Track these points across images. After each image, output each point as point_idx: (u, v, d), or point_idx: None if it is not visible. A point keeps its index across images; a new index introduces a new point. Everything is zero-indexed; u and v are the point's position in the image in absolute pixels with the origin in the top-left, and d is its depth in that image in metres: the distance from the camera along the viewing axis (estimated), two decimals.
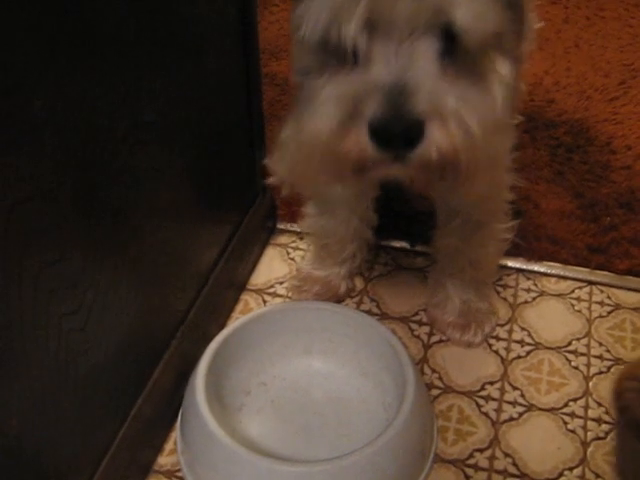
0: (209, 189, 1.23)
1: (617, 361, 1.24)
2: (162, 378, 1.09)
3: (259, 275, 1.42)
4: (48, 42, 0.74)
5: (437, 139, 0.76)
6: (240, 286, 1.38)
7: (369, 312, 1.33)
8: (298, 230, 1.49)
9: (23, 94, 0.72)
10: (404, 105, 0.74)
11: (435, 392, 1.20)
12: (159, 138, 1.01)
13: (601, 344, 1.27)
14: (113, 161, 0.90)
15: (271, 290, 1.39)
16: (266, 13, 1.50)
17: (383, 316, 1.33)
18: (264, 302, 1.36)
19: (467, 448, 1.12)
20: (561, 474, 1.08)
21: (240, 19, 1.20)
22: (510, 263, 1.42)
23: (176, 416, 1.13)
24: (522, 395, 1.19)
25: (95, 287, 0.89)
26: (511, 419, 1.16)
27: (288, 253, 1.47)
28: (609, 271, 1.41)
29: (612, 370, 1.22)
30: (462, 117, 0.76)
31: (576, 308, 1.34)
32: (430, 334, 1.30)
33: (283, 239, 1.50)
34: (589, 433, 1.13)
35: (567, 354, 1.26)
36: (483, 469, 1.10)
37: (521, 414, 1.17)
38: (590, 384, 1.21)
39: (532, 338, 1.29)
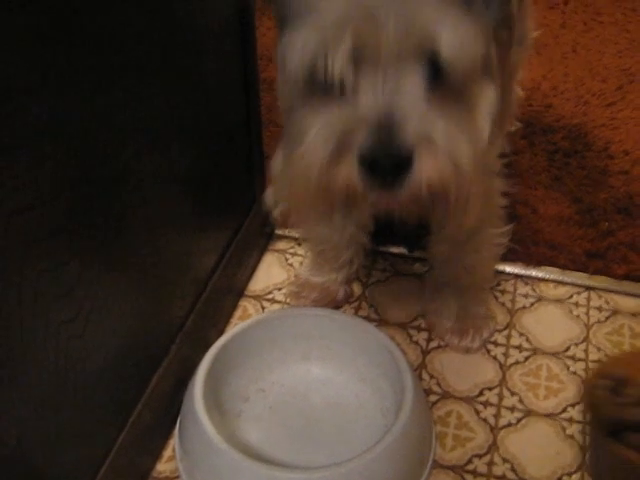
0: (207, 195, 1.23)
1: None
2: (161, 384, 1.09)
3: (257, 281, 1.42)
4: (47, 47, 0.74)
5: (426, 169, 0.76)
6: (239, 292, 1.38)
7: (367, 318, 1.33)
8: (296, 236, 1.49)
9: (22, 100, 0.72)
10: (392, 137, 0.74)
11: (433, 398, 1.20)
12: (157, 145, 1.01)
13: (599, 349, 1.28)
14: (112, 168, 0.90)
15: (269, 296, 1.39)
16: (264, 19, 1.49)
17: (381, 322, 1.33)
18: (262, 308, 1.36)
19: (466, 454, 1.12)
20: (560, 479, 1.08)
21: (238, 25, 1.21)
22: (508, 268, 1.42)
23: (175, 422, 1.13)
24: (520, 400, 1.19)
25: (94, 294, 0.89)
26: (510, 425, 1.16)
27: (286, 259, 1.47)
28: (607, 276, 1.41)
29: None
30: (450, 146, 0.77)
31: (574, 313, 1.35)
32: (428, 340, 1.30)
33: (281, 245, 1.50)
34: (588, 438, 1.13)
35: (565, 359, 1.26)
36: (482, 475, 1.10)
37: (520, 419, 1.17)
38: None
39: (530, 343, 1.29)
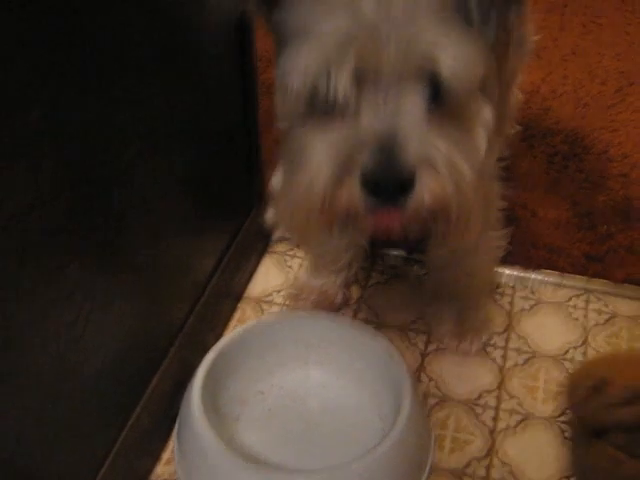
0: (206, 198, 1.23)
1: None
2: (160, 387, 1.09)
3: (256, 284, 1.42)
4: (46, 52, 0.74)
5: (428, 188, 0.77)
6: (237, 295, 1.38)
7: (366, 321, 1.33)
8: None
9: (21, 105, 0.72)
10: (394, 158, 0.75)
11: (432, 401, 1.20)
12: (156, 147, 1.01)
13: (598, 352, 1.27)
14: (111, 172, 0.91)
15: (268, 299, 1.39)
16: (263, 21, 1.49)
17: (380, 324, 1.33)
18: (262, 311, 1.36)
19: (464, 457, 1.12)
20: None
21: (237, 27, 1.21)
22: (507, 271, 1.42)
23: (173, 425, 1.13)
24: (519, 404, 1.19)
25: (93, 297, 0.90)
26: (508, 428, 1.16)
27: (285, 261, 1.47)
28: (606, 279, 1.41)
29: None
30: (452, 164, 0.77)
31: (573, 316, 1.35)
32: (427, 343, 1.30)
33: (280, 247, 1.50)
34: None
35: (564, 363, 1.26)
36: (480, 478, 1.10)
37: (518, 423, 1.17)
38: None
39: (529, 346, 1.29)
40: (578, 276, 1.42)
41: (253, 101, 1.33)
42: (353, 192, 0.77)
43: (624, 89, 1.92)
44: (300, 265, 1.45)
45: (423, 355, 1.28)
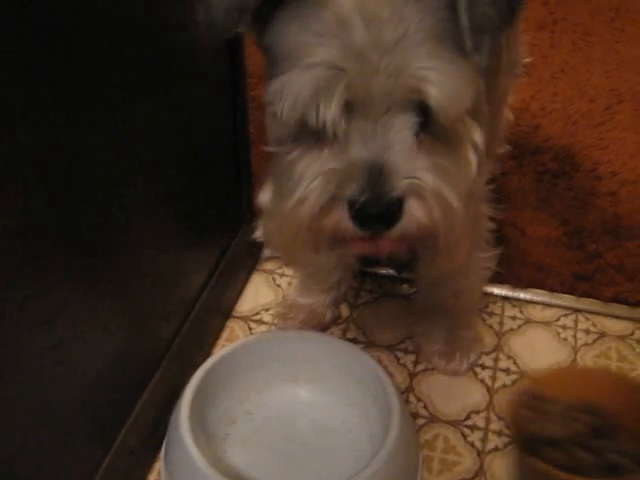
0: (195, 216, 1.23)
1: None
2: (146, 408, 1.09)
3: (245, 302, 1.42)
4: (31, 75, 0.74)
5: (415, 218, 0.78)
6: (226, 313, 1.38)
7: (355, 340, 1.33)
8: None
9: (7, 128, 0.72)
10: (382, 186, 0.76)
11: (420, 421, 1.20)
12: (144, 166, 1.01)
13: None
14: (97, 192, 0.90)
15: (257, 317, 1.38)
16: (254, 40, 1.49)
17: (369, 344, 1.33)
18: (250, 330, 1.36)
19: (453, 478, 1.12)
20: None
21: (228, 43, 1.21)
22: (496, 290, 1.42)
23: (160, 446, 1.12)
24: (508, 426, 1.19)
25: (77, 320, 0.89)
26: (497, 449, 1.16)
27: (274, 279, 1.47)
28: (595, 299, 1.41)
29: None
30: (440, 192, 0.78)
31: (562, 336, 1.34)
32: (416, 362, 1.30)
33: (269, 265, 1.49)
34: None
35: None
36: None
37: (507, 444, 1.16)
38: None
39: (518, 367, 1.29)
40: (567, 295, 1.42)
41: (243, 117, 1.33)
42: (340, 220, 0.79)
43: (613, 107, 1.93)
44: (289, 283, 1.45)
45: (412, 375, 1.27)
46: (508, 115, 1.60)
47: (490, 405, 1.22)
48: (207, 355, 1.27)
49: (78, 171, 0.86)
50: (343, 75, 0.74)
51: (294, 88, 0.75)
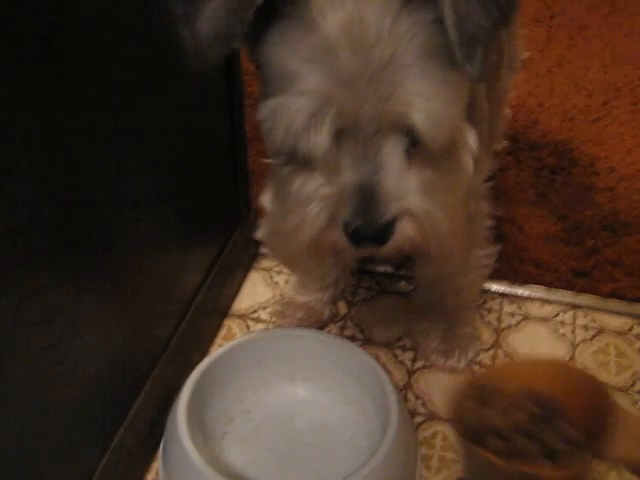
0: (191, 215, 1.22)
1: None
2: (144, 407, 1.08)
3: (242, 300, 1.41)
4: (27, 76, 0.74)
5: (407, 234, 0.81)
6: (223, 311, 1.37)
7: (353, 337, 1.32)
8: None
9: (4, 128, 0.71)
10: (374, 210, 0.79)
11: (419, 419, 1.19)
12: (141, 166, 1.01)
13: (585, 369, 1.27)
14: (93, 192, 0.90)
15: (254, 315, 1.38)
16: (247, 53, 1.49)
17: (367, 341, 1.32)
18: (247, 328, 1.35)
19: (451, 476, 1.12)
20: None
21: None
22: (494, 287, 1.42)
23: (158, 445, 1.11)
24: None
25: (74, 319, 0.89)
26: None
27: (272, 277, 1.46)
28: (593, 294, 1.41)
29: None
30: (429, 210, 0.81)
31: (560, 332, 1.34)
32: (414, 360, 1.29)
33: (266, 263, 1.49)
34: None
35: None
36: None
37: None
38: None
39: None
40: (565, 291, 1.41)
41: (240, 115, 1.32)
42: (338, 239, 0.82)
43: (611, 102, 1.92)
44: (286, 281, 1.44)
45: (410, 372, 1.27)
46: (506, 111, 1.59)
47: None
48: (204, 354, 1.27)
49: (74, 170, 0.85)
50: (332, 103, 0.75)
51: (284, 118, 0.76)
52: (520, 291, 1.42)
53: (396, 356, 1.30)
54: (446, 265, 0.89)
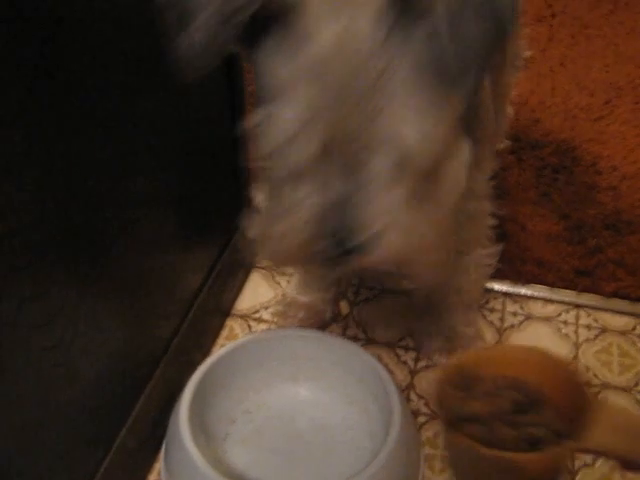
0: (192, 215, 1.22)
1: (604, 386, 1.24)
2: (146, 408, 1.08)
3: (244, 300, 1.41)
4: (27, 75, 0.73)
5: (390, 249, 0.80)
6: (225, 311, 1.37)
7: (355, 338, 1.32)
8: None
9: (3, 127, 0.71)
10: (358, 222, 0.79)
11: (422, 419, 1.19)
12: (140, 166, 1.00)
13: (588, 368, 1.27)
14: (94, 193, 0.89)
15: (256, 315, 1.38)
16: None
17: (369, 341, 1.32)
18: (249, 328, 1.35)
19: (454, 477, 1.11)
20: None
21: None
22: (496, 286, 1.41)
23: (160, 446, 1.11)
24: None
25: (76, 320, 0.88)
26: None
27: (273, 277, 1.46)
28: (596, 294, 1.40)
29: (600, 395, 1.22)
30: (412, 227, 0.81)
31: (563, 332, 1.34)
32: (417, 360, 1.29)
33: (268, 262, 1.48)
34: (576, 461, 1.12)
35: None
36: None
37: None
38: None
39: None
40: (568, 290, 1.41)
41: (241, 115, 1.32)
42: (323, 248, 0.82)
43: (612, 101, 1.92)
44: (288, 281, 1.44)
45: (412, 372, 1.27)
46: (508, 110, 1.59)
47: None
48: (206, 354, 1.27)
49: (75, 170, 0.85)
50: (322, 116, 0.75)
51: (274, 128, 0.76)
52: (523, 290, 1.42)
53: (398, 356, 1.29)
54: (429, 280, 0.90)
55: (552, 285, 1.42)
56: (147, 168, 1.02)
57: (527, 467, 0.83)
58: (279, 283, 1.44)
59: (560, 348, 1.31)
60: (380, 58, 0.74)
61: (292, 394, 1.19)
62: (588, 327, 1.35)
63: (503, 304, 1.40)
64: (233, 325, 1.36)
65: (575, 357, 1.29)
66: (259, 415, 1.17)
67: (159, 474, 1.09)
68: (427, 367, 1.27)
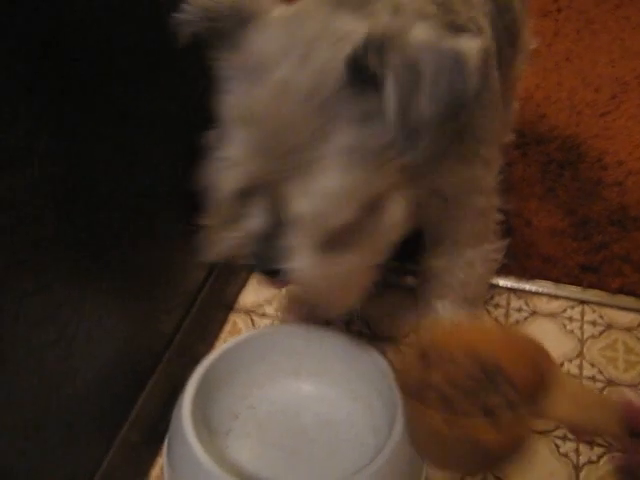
0: (196, 208, 1.21)
1: (609, 383, 1.23)
2: (148, 403, 1.07)
3: (248, 295, 1.40)
4: (30, 71, 0.73)
5: (300, 283, 0.86)
6: (228, 306, 1.36)
7: (359, 332, 1.32)
8: None
9: (4, 122, 0.70)
10: (272, 255, 0.84)
11: None
12: (143, 160, 1.00)
13: (593, 365, 1.26)
14: (96, 187, 0.89)
15: (260, 310, 1.37)
16: None
17: (373, 336, 1.31)
18: (252, 323, 1.34)
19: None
20: None
21: None
22: (501, 282, 1.40)
23: (163, 441, 1.11)
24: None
25: (78, 315, 0.88)
26: None
27: None
28: (601, 290, 1.39)
29: (605, 392, 1.21)
30: (315, 274, 0.84)
31: (568, 328, 1.33)
32: None
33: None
34: (581, 457, 1.12)
35: None
36: None
37: None
38: None
39: None
40: (573, 286, 1.40)
41: None
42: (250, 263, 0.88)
43: (618, 96, 1.91)
44: None
45: None
46: (514, 104, 1.58)
47: None
48: (209, 349, 1.27)
49: (77, 165, 0.84)
50: (246, 165, 0.79)
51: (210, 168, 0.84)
52: (528, 286, 1.41)
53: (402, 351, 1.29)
54: (339, 312, 0.97)
55: (557, 281, 1.41)
56: (149, 162, 1.02)
57: (482, 435, 0.83)
58: None
59: (565, 344, 1.30)
60: (318, 120, 0.75)
61: (295, 389, 1.19)
62: (593, 323, 1.34)
63: (508, 300, 1.39)
64: (236, 320, 1.35)
65: (580, 354, 1.28)
66: (262, 410, 1.17)
67: (162, 469, 1.09)
68: None
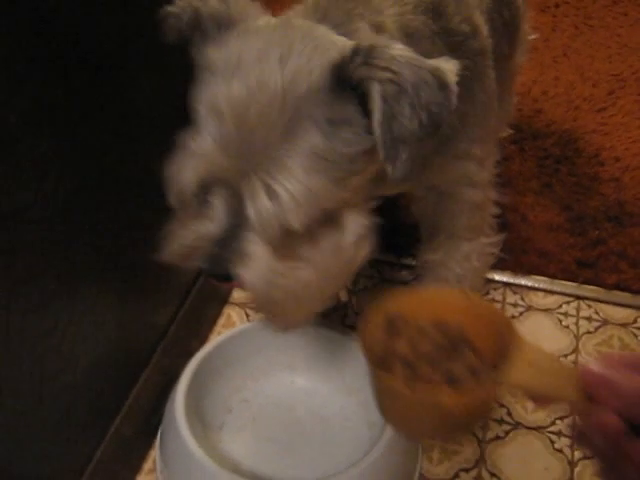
0: None
1: None
2: (141, 396, 1.07)
3: None
4: (23, 56, 0.72)
5: (248, 283, 0.82)
6: (223, 299, 1.36)
7: (354, 326, 1.31)
8: None
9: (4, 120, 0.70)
10: (227, 257, 0.81)
11: None
12: (136, 151, 0.99)
13: (589, 361, 1.25)
14: (89, 176, 0.88)
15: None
16: None
17: None
18: (247, 316, 1.34)
19: (452, 468, 1.11)
20: None
21: None
22: (497, 277, 1.40)
23: (155, 434, 1.10)
24: (509, 413, 1.17)
25: (71, 306, 0.87)
26: (497, 438, 1.14)
27: None
28: (597, 286, 1.39)
29: None
30: (266, 284, 0.82)
31: (564, 324, 1.33)
32: None
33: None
34: (576, 453, 1.11)
35: None
36: None
37: (507, 432, 1.15)
38: None
39: None
40: (569, 282, 1.40)
41: None
42: (203, 265, 0.85)
43: (616, 92, 1.90)
44: None
45: None
46: (513, 98, 1.58)
47: None
48: (203, 342, 1.26)
49: (71, 154, 0.84)
50: (210, 162, 0.78)
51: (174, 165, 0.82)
52: (523, 281, 1.40)
53: None
54: (285, 322, 0.91)
55: (553, 276, 1.41)
56: (144, 154, 1.01)
57: (444, 398, 0.83)
58: None
59: (561, 340, 1.29)
60: (288, 119, 0.75)
61: (290, 383, 1.19)
62: (589, 319, 1.34)
63: (503, 295, 1.39)
64: (231, 313, 1.35)
65: (575, 349, 1.28)
66: (256, 404, 1.16)
67: (154, 462, 1.09)
68: None
